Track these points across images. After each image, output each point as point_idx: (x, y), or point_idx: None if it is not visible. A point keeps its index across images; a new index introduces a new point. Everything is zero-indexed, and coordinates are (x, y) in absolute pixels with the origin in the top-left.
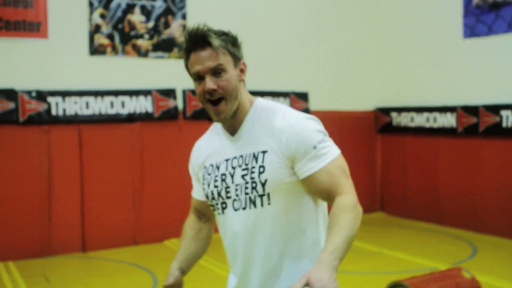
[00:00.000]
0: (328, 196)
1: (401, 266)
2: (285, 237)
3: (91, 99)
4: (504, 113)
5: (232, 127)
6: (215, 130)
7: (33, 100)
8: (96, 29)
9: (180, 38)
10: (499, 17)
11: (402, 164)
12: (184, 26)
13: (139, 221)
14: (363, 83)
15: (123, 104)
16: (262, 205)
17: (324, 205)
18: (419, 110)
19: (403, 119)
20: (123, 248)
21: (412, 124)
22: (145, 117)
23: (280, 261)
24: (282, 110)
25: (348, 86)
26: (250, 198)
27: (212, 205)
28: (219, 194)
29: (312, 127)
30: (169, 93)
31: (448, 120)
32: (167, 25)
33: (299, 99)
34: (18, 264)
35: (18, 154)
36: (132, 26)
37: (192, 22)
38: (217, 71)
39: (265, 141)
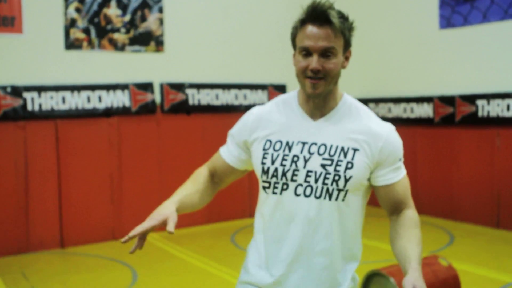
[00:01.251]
0: (397, 207)
1: (380, 255)
2: (345, 236)
3: (67, 94)
4: (479, 102)
5: (316, 110)
6: (288, 106)
7: (8, 95)
8: (71, 23)
9: (157, 31)
10: (475, 8)
11: None
12: (160, 20)
13: (118, 216)
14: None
15: (100, 99)
16: (337, 199)
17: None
18: (396, 100)
19: (381, 110)
20: (102, 243)
21: (390, 115)
22: (123, 112)
23: (332, 258)
24: (373, 114)
25: None
26: (327, 189)
27: (268, 182)
28: (283, 174)
29: (400, 139)
30: (146, 87)
31: (425, 110)
32: (143, 19)
33: (277, 91)
34: None
35: None
36: (108, 20)
37: (169, 15)
38: (327, 53)
39: (358, 139)
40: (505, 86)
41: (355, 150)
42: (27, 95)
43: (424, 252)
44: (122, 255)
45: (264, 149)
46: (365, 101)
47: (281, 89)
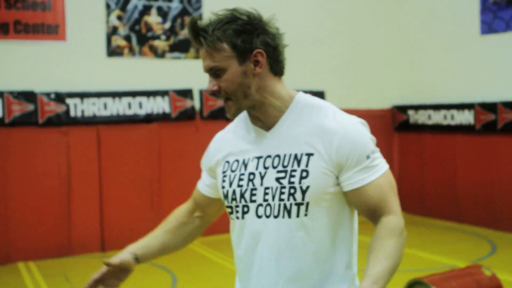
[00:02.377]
0: (373, 213)
1: (420, 264)
2: (318, 256)
3: (109, 100)
4: None
5: (264, 122)
6: (243, 122)
7: (52, 101)
8: (113, 31)
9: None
10: None
11: (419, 162)
12: None
13: (158, 221)
14: (379, 81)
15: (140, 105)
16: (298, 215)
17: (356, 222)
18: (437, 107)
19: (420, 117)
20: None
21: (430, 122)
22: (163, 118)
23: (308, 283)
24: (331, 109)
25: (364, 84)
26: (285, 206)
27: (230, 207)
28: (242, 196)
29: (367, 133)
30: (186, 93)
31: (465, 117)
32: (183, 26)
33: None
34: (38, 264)
35: (38, 155)
36: (149, 27)
37: None
38: (215, 72)
39: (311, 142)
40: None
41: (309, 155)
42: (70, 101)
43: (465, 261)
44: (162, 259)
45: (223, 172)
46: (405, 108)
47: (319, 95)
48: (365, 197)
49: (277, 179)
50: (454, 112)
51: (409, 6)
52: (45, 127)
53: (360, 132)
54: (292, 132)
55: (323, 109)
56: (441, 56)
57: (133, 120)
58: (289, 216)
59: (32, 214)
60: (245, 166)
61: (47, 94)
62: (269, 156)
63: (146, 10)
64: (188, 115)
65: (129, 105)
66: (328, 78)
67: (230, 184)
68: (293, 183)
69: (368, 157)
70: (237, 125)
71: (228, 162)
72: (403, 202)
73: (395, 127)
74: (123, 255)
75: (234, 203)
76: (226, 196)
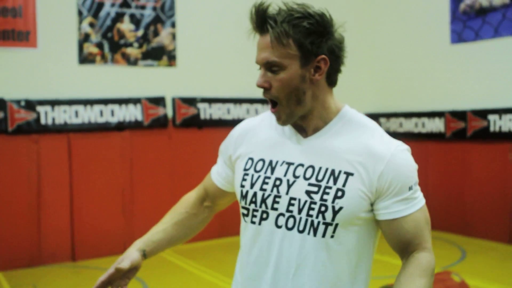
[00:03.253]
0: (406, 248)
1: (392, 270)
2: (335, 282)
3: (80, 108)
4: (491, 117)
5: (304, 128)
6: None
7: (22, 109)
8: (85, 38)
9: (170, 46)
10: (486, 22)
11: None
12: (173, 35)
13: (130, 229)
14: (351, 89)
15: (112, 113)
16: (324, 235)
17: (372, 255)
18: (408, 115)
19: (392, 125)
20: (114, 257)
21: (401, 130)
22: (135, 125)
23: None
24: (379, 130)
25: (336, 93)
26: (312, 222)
27: (247, 209)
28: (263, 201)
29: (413, 163)
30: (158, 101)
31: (436, 125)
32: (156, 34)
33: None
34: (7, 274)
35: (7, 163)
36: (122, 35)
37: (182, 30)
38: (271, 67)
39: (352, 161)
40: None
41: (348, 174)
42: (40, 109)
43: (436, 267)
44: None
45: (245, 169)
46: (376, 116)
47: None
48: (400, 230)
49: (308, 193)
50: (425, 120)
51: (380, 15)
52: (15, 135)
53: (408, 161)
54: (331, 145)
55: (370, 129)
56: (412, 64)
57: (105, 128)
58: (315, 234)
59: (1, 224)
60: (272, 169)
61: (17, 102)
62: (301, 165)
63: (118, 17)
64: (160, 123)
65: (101, 113)
66: None
67: (252, 185)
68: (325, 200)
69: (410, 188)
70: (267, 120)
71: (252, 159)
72: None
73: None
74: (132, 255)
75: (252, 206)
76: (244, 197)
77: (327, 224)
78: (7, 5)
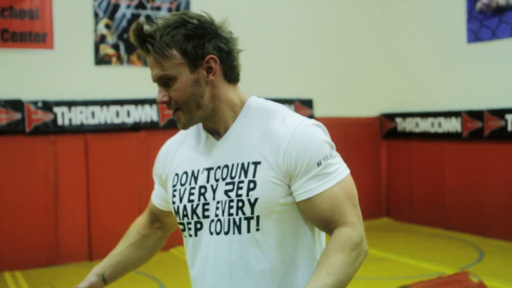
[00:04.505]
0: (327, 226)
1: (408, 271)
2: (275, 274)
3: (96, 109)
4: (509, 117)
5: (215, 130)
6: (195, 130)
7: (39, 110)
8: (101, 39)
9: None
10: (503, 21)
11: (407, 169)
12: None
13: None
14: (367, 89)
15: (128, 113)
16: (248, 230)
17: (322, 233)
18: (424, 115)
19: (408, 125)
20: None
21: (417, 130)
22: (151, 126)
23: None
24: (282, 112)
25: (352, 92)
26: (234, 221)
27: (182, 224)
28: (194, 212)
29: (319, 136)
30: None
31: (453, 125)
32: None
33: (303, 106)
34: (25, 273)
35: (25, 164)
36: None
37: None
38: (165, 81)
39: (259, 150)
40: None
41: (255, 164)
42: (57, 110)
43: (453, 268)
44: (150, 268)
45: (173, 186)
46: (393, 116)
47: (308, 104)
48: (316, 208)
49: (226, 192)
50: (441, 119)
51: (397, 15)
52: (32, 136)
53: (311, 136)
54: (241, 139)
55: (272, 112)
56: (428, 64)
57: (121, 128)
58: (240, 232)
59: (19, 224)
60: (195, 178)
61: (35, 103)
62: (218, 167)
63: (134, 18)
64: (176, 123)
65: (117, 114)
66: (317, 87)
67: (181, 199)
68: (240, 195)
69: (319, 163)
70: (189, 132)
71: (177, 174)
72: (391, 209)
73: (383, 135)
74: (90, 279)
75: (186, 220)
76: (177, 212)
77: (248, 219)
78: (24, 8)
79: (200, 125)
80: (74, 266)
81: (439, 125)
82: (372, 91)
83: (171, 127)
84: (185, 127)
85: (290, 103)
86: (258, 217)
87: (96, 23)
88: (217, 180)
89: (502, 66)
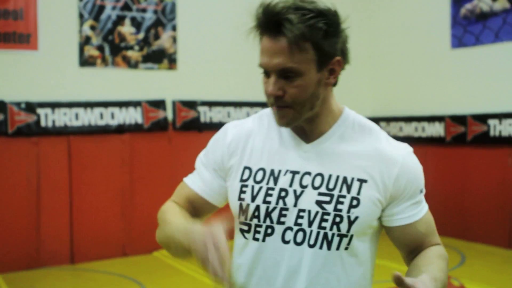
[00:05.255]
0: (418, 248)
1: (391, 274)
2: None
3: (80, 111)
4: (491, 122)
5: (307, 132)
6: (274, 124)
7: (22, 111)
8: (86, 41)
9: (170, 49)
10: (486, 27)
11: None
12: (174, 38)
13: (129, 232)
14: (352, 93)
15: (112, 115)
16: (338, 248)
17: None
18: (408, 119)
19: (392, 129)
20: (113, 260)
21: (401, 134)
22: (135, 128)
23: None
24: (382, 133)
25: (337, 97)
26: (325, 235)
27: (247, 225)
28: (268, 215)
29: (420, 165)
30: (158, 104)
31: (436, 130)
32: (157, 37)
33: None
34: (6, 277)
35: (7, 166)
36: (122, 38)
37: (182, 33)
38: (286, 73)
39: (365, 168)
40: None
41: (361, 181)
42: (40, 111)
43: None
44: (132, 271)
45: (242, 180)
46: (377, 120)
47: None
48: (414, 233)
49: (319, 203)
50: (425, 124)
51: (381, 20)
52: (14, 137)
53: (417, 163)
54: (338, 150)
55: (375, 131)
56: (412, 69)
57: (105, 130)
58: (329, 248)
59: (0, 226)
60: (275, 179)
61: (18, 104)
62: (308, 173)
63: (119, 20)
64: (160, 126)
65: (101, 116)
66: None
67: (253, 198)
68: (340, 210)
69: (421, 191)
70: (263, 124)
71: (249, 169)
72: None
73: None
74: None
75: (255, 221)
76: (244, 212)
77: (342, 236)
78: (8, 8)
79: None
80: (56, 269)
81: (423, 129)
82: (357, 96)
83: (156, 129)
84: (288, 125)
85: None
86: (352, 236)
87: (81, 24)
88: (304, 187)
89: (485, 72)
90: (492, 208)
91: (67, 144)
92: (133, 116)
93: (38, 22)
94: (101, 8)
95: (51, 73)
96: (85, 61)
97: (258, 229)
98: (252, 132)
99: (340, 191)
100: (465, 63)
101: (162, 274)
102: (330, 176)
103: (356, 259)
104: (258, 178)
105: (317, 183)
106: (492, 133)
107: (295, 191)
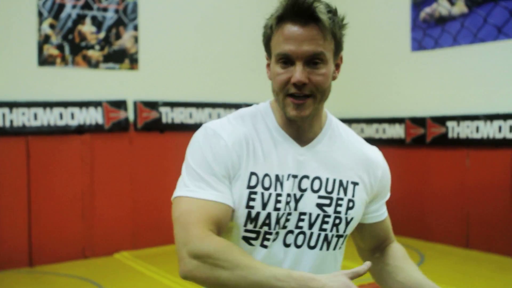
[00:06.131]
0: (382, 243)
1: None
2: None
3: (39, 111)
4: (450, 124)
5: (301, 134)
6: (264, 126)
7: None
8: (45, 40)
9: (132, 49)
10: (445, 31)
11: None
12: (135, 38)
13: (89, 234)
14: None
15: (72, 116)
16: (334, 248)
17: None
18: (369, 121)
19: (354, 130)
20: (72, 262)
21: (363, 135)
22: (95, 129)
23: None
24: (357, 136)
25: None
26: (326, 237)
27: (256, 232)
28: (277, 221)
29: None
30: (119, 104)
31: (396, 131)
32: (118, 36)
33: None
34: None
35: None
36: (83, 37)
37: (144, 33)
38: (314, 60)
39: (355, 171)
40: (474, 108)
41: (354, 184)
42: None
43: None
44: (93, 274)
45: (249, 187)
46: None
47: None
48: (383, 229)
49: (320, 206)
50: (385, 126)
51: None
52: None
53: (387, 165)
54: (331, 154)
55: (353, 134)
56: (373, 71)
57: (64, 131)
58: (328, 248)
59: None
60: (281, 184)
61: None
62: (306, 177)
63: (80, 19)
64: (121, 126)
65: (61, 116)
66: (262, 90)
67: (264, 205)
68: (339, 212)
69: (388, 190)
70: (254, 126)
71: (256, 175)
72: None
73: None
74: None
75: (265, 229)
76: (254, 219)
77: (339, 237)
78: None
79: (271, 122)
80: (14, 271)
81: (384, 131)
82: None
83: (116, 130)
84: (307, 117)
85: (239, 107)
86: (346, 236)
87: (40, 22)
88: (303, 190)
89: (444, 75)
90: (451, 208)
91: (26, 144)
92: (93, 116)
93: None
94: (61, 7)
95: (9, 72)
96: (44, 60)
97: (267, 236)
98: (248, 135)
99: (338, 194)
100: (425, 66)
101: (123, 276)
102: (327, 179)
103: (341, 257)
104: (266, 184)
105: (316, 187)
106: (450, 135)
107: (295, 195)
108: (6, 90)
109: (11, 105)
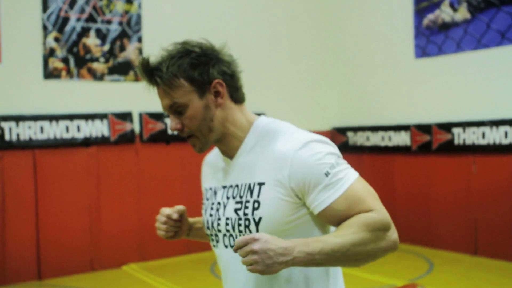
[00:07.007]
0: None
1: (358, 284)
2: (291, 281)
3: (45, 124)
4: (455, 130)
5: (227, 151)
6: (217, 149)
7: None
8: (50, 53)
9: (136, 61)
10: (448, 37)
11: None
12: (139, 49)
13: (97, 246)
14: (319, 103)
15: (78, 128)
16: None
17: None
18: (374, 129)
19: (359, 139)
20: (80, 275)
21: (368, 143)
22: (101, 141)
23: None
24: (287, 132)
25: (304, 106)
26: None
27: (209, 235)
28: (212, 225)
29: (322, 149)
30: (125, 116)
31: (402, 139)
32: (122, 48)
33: None
34: None
35: None
36: (87, 50)
37: (148, 45)
38: (177, 109)
39: (263, 171)
40: (479, 114)
41: (260, 184)
42: (4, 124)
43: (403, 280)
44: (101, 286)
45: (203, 199)
46: (344, 130)
47: None
48: (337, 213)
49: (235, 210)
50: (391, 133)
51: (348, 30)
52: None
53: (312, 152)
54: (248, 160)
55: (277, 133)
56: (378, 79)
57: (71, 143)
58: None
59: None
60: (215, 195)
61: None
62: (230, 186)
63: (84, 32)
64: (127, 138)
65: (67, 129)
66: (269, 100)
67: (205, 212)
68: (247, 214)
69: (327, 174)
70: (214, 150)
71: (206, 189)
72: None
73: None
74: (181, 209)
75: (208, 232)
76: (204, 224)
77: None
78: None
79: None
80: (22, 285)
81: (389, 138)
82: (324, 105)
83: (123, 141)
84: (201, 151)
85: None
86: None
87: (45, 36)
88: (228, 198)
89: (449, 81)
90: (458, 215)
91: (32, 158)
92: (99, 128)
93: (1, 34)
94: (65, 20)
95: (15, 86)
96: (50, 74)
97: (212, 237)
98: (209, 158)
99: (246, 197)
100: (429, 73)
101: None
102: (241, 185)
103: None
104: (208, 195)
105: (235, 193)
106: (456, 141)
107: (224, 202)
108: (12, 104)
109: (18, 118)
